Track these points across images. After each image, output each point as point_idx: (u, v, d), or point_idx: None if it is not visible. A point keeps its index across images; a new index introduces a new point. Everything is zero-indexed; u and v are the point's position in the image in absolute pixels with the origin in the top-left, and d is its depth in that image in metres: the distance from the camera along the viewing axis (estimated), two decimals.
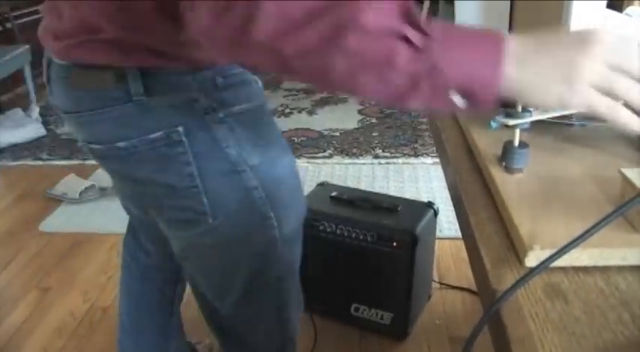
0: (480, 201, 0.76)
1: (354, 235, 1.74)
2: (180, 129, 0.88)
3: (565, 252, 0.57)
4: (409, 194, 2.64)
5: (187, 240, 1.02)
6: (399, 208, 1.75)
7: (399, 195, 2.45)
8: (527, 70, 0.61)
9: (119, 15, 0.81)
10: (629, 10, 2.73)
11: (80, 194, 2.81)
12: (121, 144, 0.90)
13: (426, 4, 4.03)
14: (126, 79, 0.86)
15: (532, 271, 0.57)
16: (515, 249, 0.66)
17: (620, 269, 0.63)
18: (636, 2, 2.67)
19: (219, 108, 0.91)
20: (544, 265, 0.57)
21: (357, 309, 1.86)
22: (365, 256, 1.75)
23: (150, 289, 1.40)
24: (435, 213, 1.80)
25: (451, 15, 4.44)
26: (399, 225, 1.70)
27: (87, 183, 2.88)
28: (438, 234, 1.97)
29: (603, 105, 0.61)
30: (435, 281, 2.05)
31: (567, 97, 0.61)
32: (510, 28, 4.17)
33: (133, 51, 0.84)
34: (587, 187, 0.73)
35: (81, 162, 3.28)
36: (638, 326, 0.55)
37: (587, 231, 0.57)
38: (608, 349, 0.52)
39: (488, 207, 0.75)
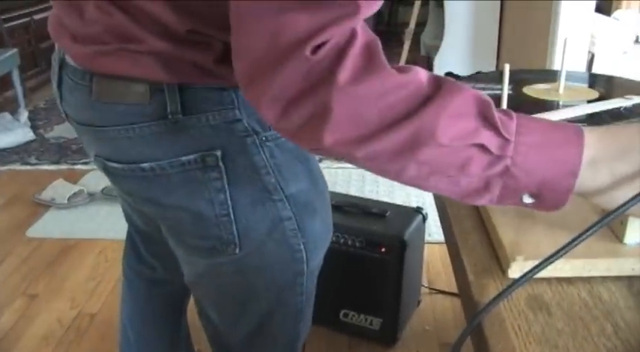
0: (464, 209, 0.76)
1: (342, 241, 1.73)
2: (218, 152, 0.80)
3: (548, 264, 0.56)
4: (399, 198, 2.64)
5: (204, 267, 0.93)
6: (387, 213, 1.74)
7: (388, 199, 2.45)
8: (598, 177, 0.59)
9: (159, 25, 0.73)
10: (616, 14, 2.74)
11: (69, 199, 2.79)
12: (145, 165, 0.82)
13: (417, 5, 4.04)
14: (162, 93, 0.77)
15: (515, 283, 0.56)
16: (498, 259, 0.65)
17: (604, 279, 0.62)
18: (624, 5, 2.68)
19: (261, 130, 0.82)
20: (527, 277, 0.56)
21: (346, 315, 1.85)
22: (354, 262, 1.74)
23: (157, 304, 1.34)
24: (424, 218, 1.80)
25: (441, 15, 4.43)
26: (387, 230, 1.70)
27: (75, 188, 2.86)
28: (428, 238, 1.96)
29: None
30: (424, 286, 2.04)
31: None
32: (500, 29, 4.13)
33: (177, 66, 0.76)
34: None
35: (70, 166, 3.27)
36: (620, 338, 0.54)
37: (570, 242, 0.56)
38: None
39: (472, 216, 0.74)
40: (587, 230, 0.56)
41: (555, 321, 0.57)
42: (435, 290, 2.07)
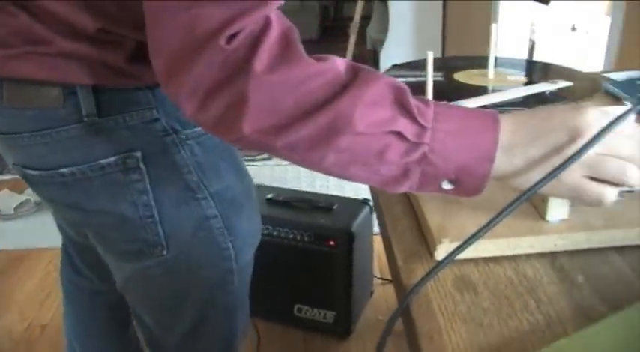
0: (395, 197, 0.77)
1: (291, 236, 1.74)
2: (138, 154, 0.80)
3: (470, 244, 0.57)
4: (350, 192, 2.65)
5: (133, 272, 0.92)
6: (334, 207, 1.76)
7: (339, 193, 2.46)
8: (513, 161, 0.60)
9: (66, 25, 0.72)
10: (554, 2, 2.78)
11: (15, 209, 2.73)
12: (65, 170, 0.80)
13: (360, 5, 4.06)
14: (76, 96, 0.76)
15: (438, 264, 0.58)
16: (427, 243, 0.66)
17: (529, 257, 0.64)
18: None
19: (180, 129, 0.82)
20: (450, 258, 0.57)
21: (299, 310, 1.86)
22: (304, 256, 1.75)
23: (100, 315, 1.31)
24: (371, 210, 1.81)
25: (385, 9, 4.45)
26: (335, 223, 1.71)
27: (22, 197, 2.80)
28: (378, 229, 1.98)
29: (591, 193, 0.60)
30: (376, 276, 2.06)
31: (555, 187, 0.60)
32: (444, 20, 4.19)
33: (88, 67, 0.75)
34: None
35: (14, 176, 3.18)
36: (542, 312, 0.56)
37: (488, 223, 0.57)
38: (512, 337, 0.53)
39: (402, 203, 0.75)
40: (502, 211, 0.57)
41: (481, 300, 0.58)
42: (387, 280, 2.09)
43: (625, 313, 0.53)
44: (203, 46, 0.56)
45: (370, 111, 0.57)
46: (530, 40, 3.08)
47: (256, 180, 2.47)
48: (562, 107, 0.62)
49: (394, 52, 4.06)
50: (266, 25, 0.57)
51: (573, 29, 3.16)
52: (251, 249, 0.97)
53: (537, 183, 0.57)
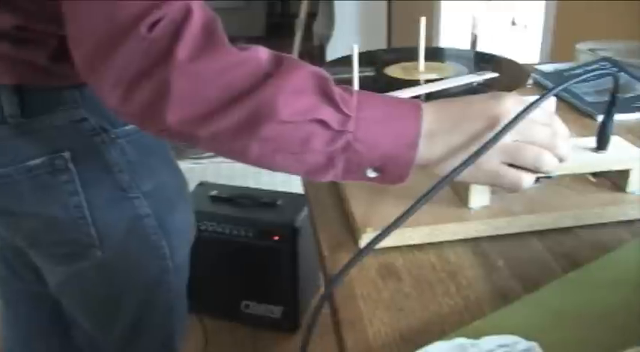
0: (324, 188, 0.78)
1: (235, 232, 1.74)
2: (66, 154, 0.78)
3: (390, 232, 0.58)
4: (297, 187, 2.66)
5: (67, 275, 0.90)
6: (278, 202, 1.77)
7: (286, 188, 2.47)
8: (435, 149, 0.61)
9: None
10: None
11: None
12: None
13: (305, 2, 4.05)
14: None
15: (360, 253, 0.58)
16: (353, 233, 0.67)
17: (453, 243, 0.65)
18: None
19: (110, 128, 0.80)
20: (370, 246, 0.58)
21: (247, 306, 1.86)
22: (249, 252, 1.76)
23: (40, 318, 1.23)
24: None
25: (331, 6, 4.44)
26: (278, 218, 1.72)
27: None
28: None
29: (509, 178, 0.62)
30: None
31: (474, 173, 0.61)
32: (389, 14, 4.20)
33: (9, 66, 0.73)
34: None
35: None
36: (461, 295, 0.57)
37: (409, 209, 0.58)
38: (433, 320, 0.54)
39: (332, 193, 0.76)
40: (420, 199, 0.58)
41: (404, 287, 0.59)
42: None
43: (538, 293, 0.55)
44: (125, 34, 0.55)
45: (293, 100, 0.57)
46: (473, 33, 3.14)
47: (202, 178, 2.45)
48: (483, 95, 0.63)
49: (340, 47, 4.08)
50: (187, 13, 0.56)
51: (513, 24, 3.23)
52: (187, 246, 0.97)
53: (454, 170, 0.59)
